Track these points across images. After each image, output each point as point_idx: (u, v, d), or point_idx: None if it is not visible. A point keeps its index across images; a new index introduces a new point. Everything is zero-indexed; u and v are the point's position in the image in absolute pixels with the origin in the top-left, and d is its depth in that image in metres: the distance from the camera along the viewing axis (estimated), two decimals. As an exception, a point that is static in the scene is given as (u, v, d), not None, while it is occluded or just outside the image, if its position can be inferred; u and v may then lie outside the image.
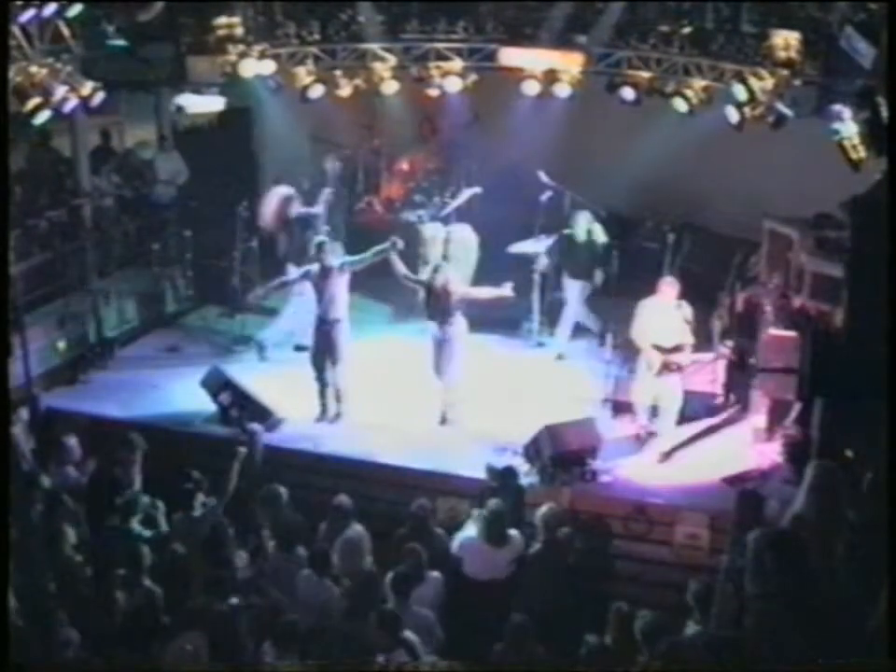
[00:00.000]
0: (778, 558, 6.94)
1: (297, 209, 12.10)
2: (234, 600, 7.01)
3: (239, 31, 11.57)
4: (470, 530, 8.28)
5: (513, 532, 8.24)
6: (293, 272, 11.17)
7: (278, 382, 11.07)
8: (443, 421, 10.57)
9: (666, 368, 9.87)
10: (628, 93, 11.96)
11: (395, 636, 6.80)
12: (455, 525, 8.66)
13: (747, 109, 11.09)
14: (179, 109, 12.37)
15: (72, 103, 10.34)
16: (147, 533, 8.28)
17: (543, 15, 12.10)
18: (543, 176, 12.45)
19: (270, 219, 12.22)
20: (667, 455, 9.90)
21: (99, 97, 10.67)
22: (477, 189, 13.19)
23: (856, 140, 9.72)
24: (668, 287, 10.00)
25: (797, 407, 9.76)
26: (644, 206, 13.63)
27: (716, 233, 13.33)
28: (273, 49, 11.91)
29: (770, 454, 9.91)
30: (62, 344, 11.34)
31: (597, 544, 9.12)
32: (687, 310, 9.90)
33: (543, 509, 8.32)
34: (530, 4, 12.42)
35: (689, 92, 11.57)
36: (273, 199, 12.22)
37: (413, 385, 10.98)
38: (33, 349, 10.71)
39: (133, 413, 10.56)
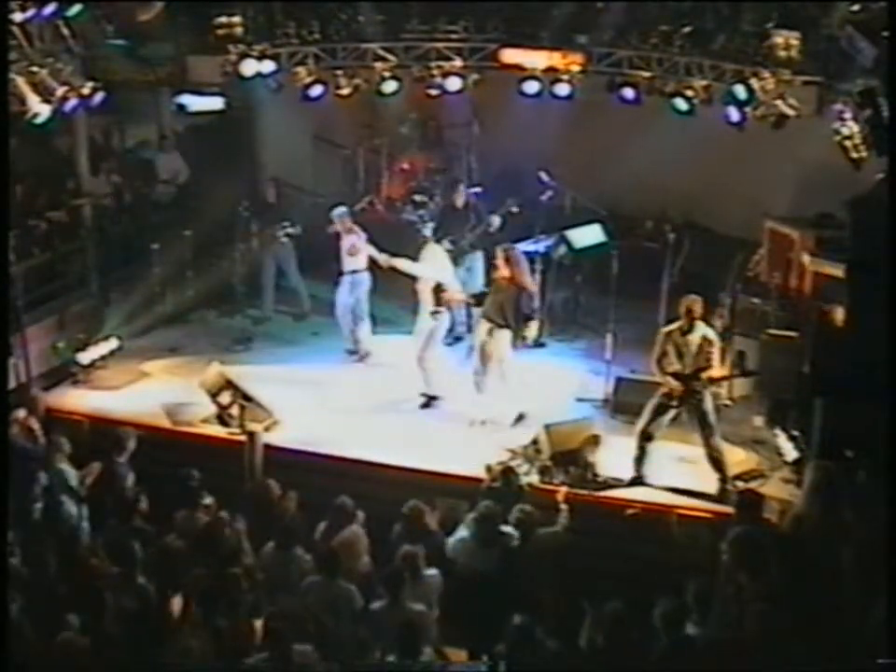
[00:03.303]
0: (777, 559, 6.95)
1: None
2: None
3: (239, 30, 11.61)
4: (462, 532, 8.26)
5: (507, 531, 8.20)
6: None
7: (278, 382, 11.07)
8: (427, 405, 10.75)
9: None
10: (629, 93, 11.96)
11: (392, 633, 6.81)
12: (454, 524, 8.63)
13: (747, 109, 11.11)
14: (180, 109, 12.37)
15: (72, 102, 10.34)
16: (149, 529, 8.28)
17: (544, 15, 12.12)
18: (543, 176, 12.43)
19: None
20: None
21: (99, 97, 10.68)
22: (477, 189, 13.17)
23: (857, 140, 9.73)
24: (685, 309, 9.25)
25: (797, 407, 9.75)
26: (644, 206, 13.62)
27: (717, 233, 13.34)
28: (274, 49, 11.95)
29: (770, 454, 9.89)
30: (62, 344, 11.32)
31: (596, 544, 9.09)
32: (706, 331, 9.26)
33: (514, 512, 8.27)
34: (531, 3, 12.43)
35: (689, 92, 11.59)
36: None
37: (413, 384, 10.99)
38: (33, 349, 10.71)
39: (133, 413, 10.54)
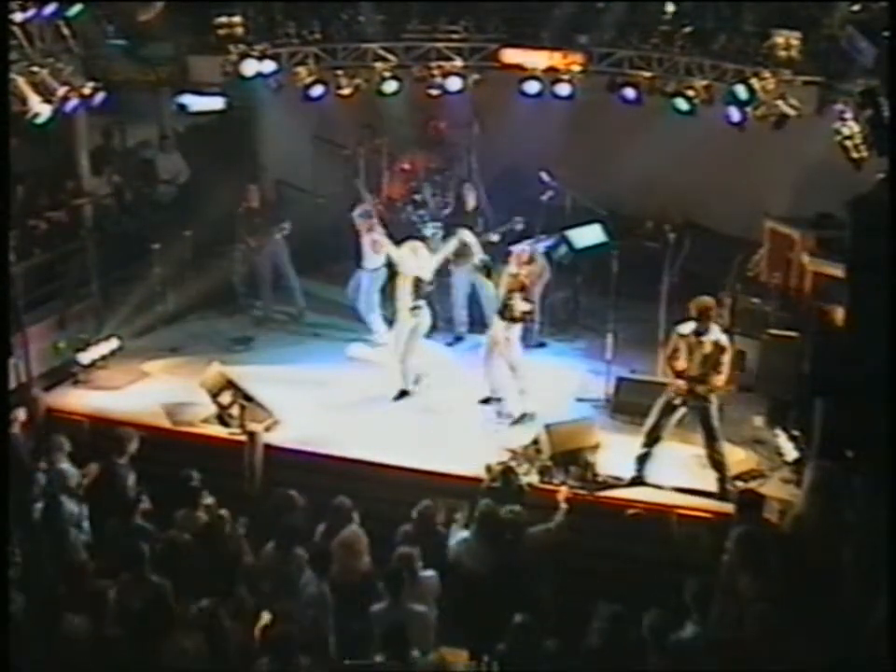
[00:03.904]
0: (777, 559, 6.95)
1: None
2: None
3: (240, 30, 11.61)
4: (464, 532, 8.26)
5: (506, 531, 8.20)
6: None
7: (278, 382, 11.08)
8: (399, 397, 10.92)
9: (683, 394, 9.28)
10: (629, 93, 11.96)
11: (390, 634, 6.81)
12: (454, 524, 8.63)
13: (748, 109, 11.11)
14: (180, 109, 12.37)
15: (73, 102, 10.34)
16: (150, 528, 8.29)
17: (544, 15, 12.11)
18: (544, 176, 12.44)
19: None
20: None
21: (100, 97, 10.67)
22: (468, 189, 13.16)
23: (857, 140, 9.72)
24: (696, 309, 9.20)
25: (797, 407, 9.75)
26: (644, 206, 13.61)
27: (717, 233, 13.31)
28: (274, 49, 11.94)
29: (770, 454, 9.89)
30: (62, 344, 11.33)
31: (596, 544, 9.10)
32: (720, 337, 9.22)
33: (503, 512, 8.25)
34: (531, 3, 12.43)
35: (690, 92, 11.58)
36: None
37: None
38: (33, 349, 10.71)
39: (133, 414, 10.54)
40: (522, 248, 10.78)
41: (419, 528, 8.27)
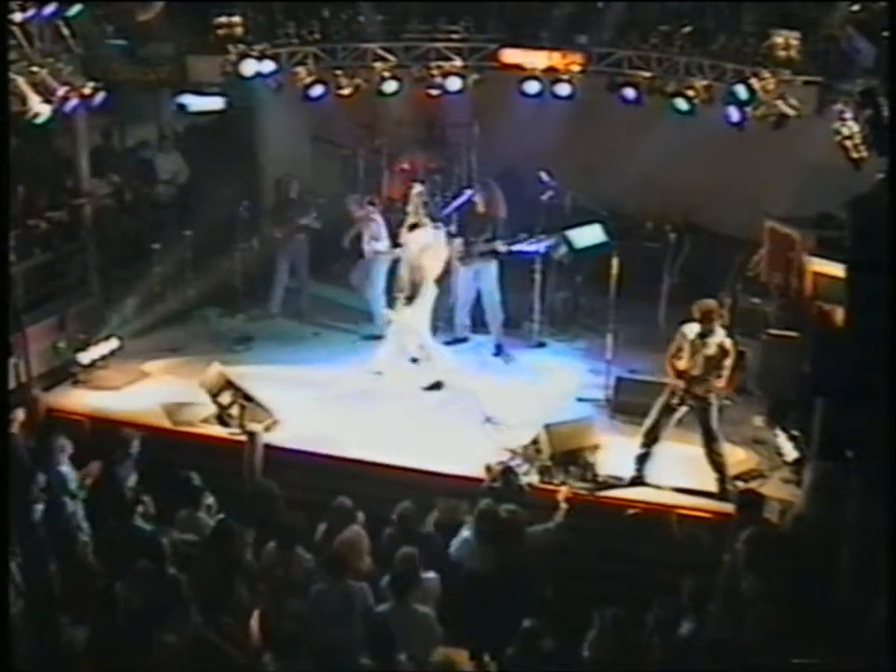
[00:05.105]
0: (777, 559, 6.95)
1: None
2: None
3: (239, 30, 11.59)
4: (465, 532, 8.27)
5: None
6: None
7: (278, 382, 11.07)
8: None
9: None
10: (629, 93, 11.96)
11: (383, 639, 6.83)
12: (454, 525, 8.63)
13: (748, 109, 11.11)
14: (180, 109, 12.36)
15: (72, 102, 10.34)
16: (150, 529, 8.30)
17: (544, 14, 12.11)
18: (544, 176, 12.43)
19: None
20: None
21: (99, 97, 10.68)
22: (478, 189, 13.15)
23: (857, 139, 9.72)
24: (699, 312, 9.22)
25: (797, 407, 9.75)
26: (644, 206, 13.61)
27: (717, 233, 13.30)
28: (274, 49, 11.93)
29: (770, 454, 9.89)
30: (62, 344, 11.33)
31: (596, 544, 9.10)
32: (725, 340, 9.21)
33: (501, 512, 8.24)
34: (531, 3, 12.43)
35: (690, 92, 11.58)
36: None
37: (413, 384, 11.06)
38: (33, 349, 10.71)
39: (133, 413, 10.54)
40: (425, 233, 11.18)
41: (402, 530, 8.28)
